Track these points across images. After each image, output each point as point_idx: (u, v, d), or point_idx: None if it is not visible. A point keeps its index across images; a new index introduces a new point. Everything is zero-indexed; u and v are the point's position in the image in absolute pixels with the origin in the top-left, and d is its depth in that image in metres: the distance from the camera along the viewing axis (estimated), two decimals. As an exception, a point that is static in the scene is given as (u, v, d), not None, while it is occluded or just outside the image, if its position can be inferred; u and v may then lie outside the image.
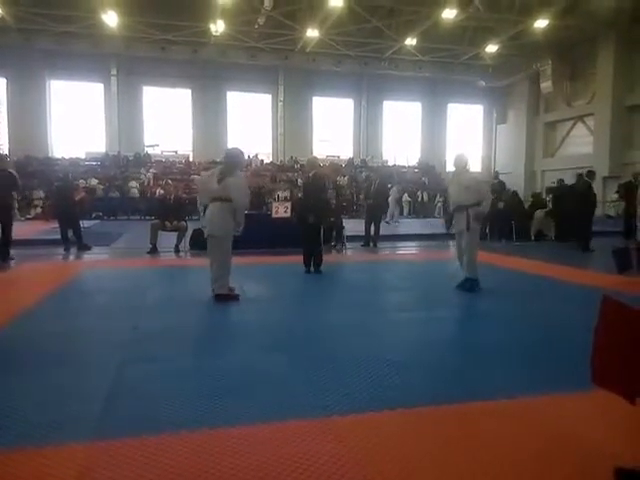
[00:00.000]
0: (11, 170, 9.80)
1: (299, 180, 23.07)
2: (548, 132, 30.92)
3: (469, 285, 6.16)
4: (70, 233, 10.19)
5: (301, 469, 2.17)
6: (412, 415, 2.71)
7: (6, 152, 26.22)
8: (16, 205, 10.10)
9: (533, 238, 13.18)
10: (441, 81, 32.16)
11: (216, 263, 5.56)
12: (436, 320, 5.10)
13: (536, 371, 3.44)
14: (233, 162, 5.69)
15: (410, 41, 26.13)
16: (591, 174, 11.32)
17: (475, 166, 34.75)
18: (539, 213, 13.40)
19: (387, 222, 17.95)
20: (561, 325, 4.74)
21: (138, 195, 23.96)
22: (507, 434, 2.52)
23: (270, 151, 32.06)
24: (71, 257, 9.69)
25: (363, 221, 12.00)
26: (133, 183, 25.04)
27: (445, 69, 31.06)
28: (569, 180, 14.55)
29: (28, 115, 27.41)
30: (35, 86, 27.62)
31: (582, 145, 28.08)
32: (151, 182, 25.58)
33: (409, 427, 2.58)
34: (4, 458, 2.23)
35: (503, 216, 13.62)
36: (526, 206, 14.52)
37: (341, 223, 11.32)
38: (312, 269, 7.58)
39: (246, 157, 27.87)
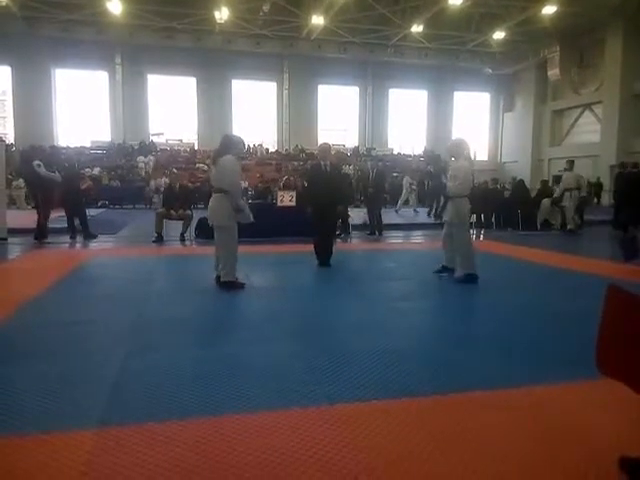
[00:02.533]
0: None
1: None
2: (555, 120, 30.67)
3: (469, 280, 6.00)
4: (76, 221, 10.24)
5: (305, 456, 2.18)
6: (416, 404, 2.72)
7: (12, 141, 26.31)
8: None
9: (539, 227, 13.12)
10: (447, 68, 31.87)
11: (222, 251, 5.58)
12: (439, 309, 5.10)
13: (540, 361, 3.44)
14: (222, 148, 5.57)
15: (416, 28, 25.89)
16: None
17: (481, 154, 34.63)
18: (545, 202, 13.33)
19: (396, 211, 17.91)
20: (566, 314, 4.73)
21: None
22: (511, 424, 2.52)
23: (275, 140, 31.98)
24: (77, 245, 9.74)
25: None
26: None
27: (451, 56, 30.79)
28: (580, 169, 14.50)
29: (33, 104, 27.39)
30: (40, 75, 27.57)
31: (590, 133, 27.86)
32: (150, 169, 25.62)
33: (413, 416, 2.59)
34: (13, 444, 2.26)
35: (509, 205, 13.56)
36: (532, 195, 14.45)
37: (347, 212, 11.29)
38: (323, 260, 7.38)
39: (249, 145, 28.04)
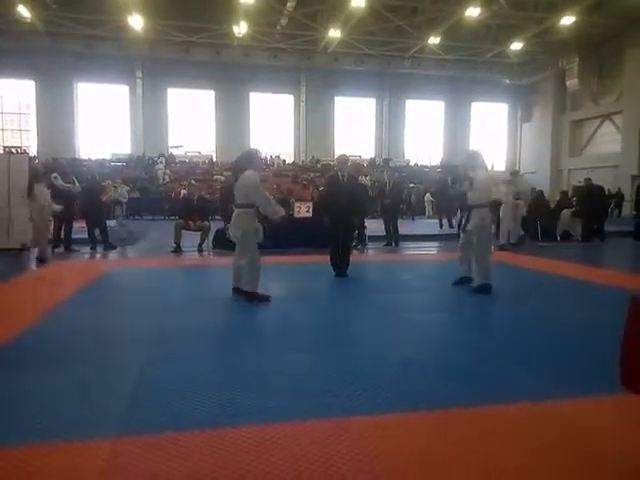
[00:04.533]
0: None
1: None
2: (574, 130, 30.37)
3: (484, 289, 5.98)
4: (97, 232, 10.39)
5: (322, 469, 2.16)
6: (433, 417, 2.68)
7: (35, 154, 26.87)
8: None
9: (559, 238, 12.94)
10: (464, 79, 31.85)
11: (244, 261, 5.52)
12: (458, 321, 5.05)
13: (562, 374, 3.37)
14: (242, 164, 5.62)
15: (433, 40, 25.94)
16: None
17: (499, 165, 34.36)
18: (565, 213, 13.17)
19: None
20: (586, 326, 4.63)
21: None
22: (535, 439, 2.46)
23: (292, 151, 32.18)
24: (98, 256, 9.87)
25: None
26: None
27: (469, 67, 30.76)
28: (600, 180, 14.25)
29: (56, 117, 28.02)
30: (63, 89, 28.22)
31: (610, 143, 27.52)
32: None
33: (430, 430, 2.55)
34: (32, 452, 2.28)
35: (528, 216, 13.39)
36: (552, 206, 14.27)
37: (363, 223, 11.26)
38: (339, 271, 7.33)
39: (266, 157, 28.20)
